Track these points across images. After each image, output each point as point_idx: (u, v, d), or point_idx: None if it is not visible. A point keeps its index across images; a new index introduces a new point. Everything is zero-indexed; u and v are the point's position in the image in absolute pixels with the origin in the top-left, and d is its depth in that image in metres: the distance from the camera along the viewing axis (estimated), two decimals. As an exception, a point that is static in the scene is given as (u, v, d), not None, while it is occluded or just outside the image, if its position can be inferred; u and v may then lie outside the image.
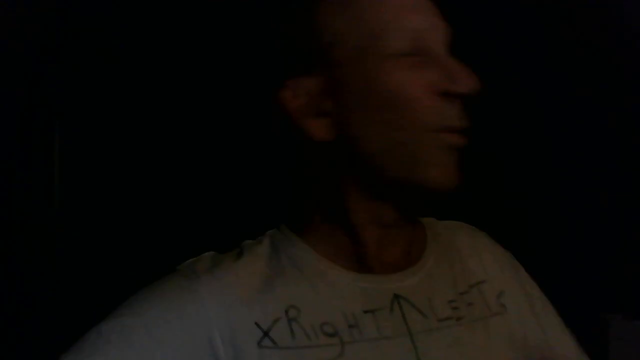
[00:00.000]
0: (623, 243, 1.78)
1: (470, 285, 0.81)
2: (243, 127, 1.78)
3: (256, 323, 0.70)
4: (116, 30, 1.76)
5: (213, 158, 1.78)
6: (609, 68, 1.71)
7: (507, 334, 0.79)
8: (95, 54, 1.76)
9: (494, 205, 1.68)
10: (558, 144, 1.80)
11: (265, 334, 0.70)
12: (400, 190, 0.75)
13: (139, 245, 1.72)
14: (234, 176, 1.77)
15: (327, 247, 0.77)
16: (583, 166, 1.77)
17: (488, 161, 1.69)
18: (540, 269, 0.96)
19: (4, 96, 1.62)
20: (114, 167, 1.77)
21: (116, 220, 1.76)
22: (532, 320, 0.83)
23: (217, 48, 1.78)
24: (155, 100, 1.78)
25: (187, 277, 0.73)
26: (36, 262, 1.70)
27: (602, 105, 1.71)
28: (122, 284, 1.78)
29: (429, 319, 0.75)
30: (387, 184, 0.74)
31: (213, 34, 1.77)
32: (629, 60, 1.70)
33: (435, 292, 0.77)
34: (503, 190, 1.79)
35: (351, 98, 0.73)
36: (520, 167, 1.82)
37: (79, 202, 1.76)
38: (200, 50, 1.78)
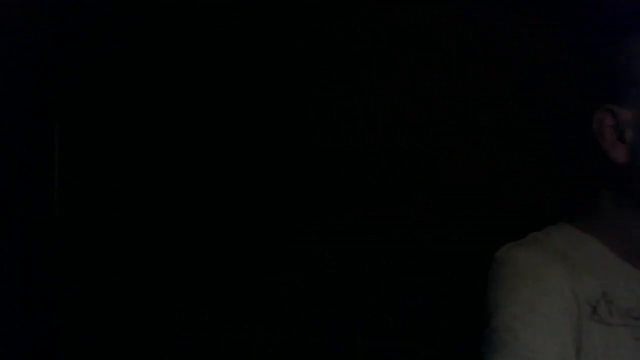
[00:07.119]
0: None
1: None
2: (242, 128, 1.79)
3: (586, 300, 0.88)
4: (117, 30, 1.76)
5: (213, 158, 1.78)
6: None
7: None
8: (96, 54, 1.76)
9: (492, 204, 1.68)
10: (557, 143, 1.80)
11: (594, 310, 0.88)
12: None
13: (139, 245, 1.72)
14: (233, 176, 1.78)
15: (613, 244, 0.94)
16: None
17: (487, 161, 1.69)
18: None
19: (4, 96, 1.62)
20: (114, 167, 1.77)
21: (116, 221, 1.76)
22: None
23: (216, 48, 1.78)
24: (155, 100, 1.78)
25: (542, 265, 0.89)
26: (36, 261, 1.70)
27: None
28: (122, 283, 1.78)
29: None
30: None
31: (211, 33, 1.77)
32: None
33: None
34: (502, 189, 1.79)
35: None
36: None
37: (79, 202, 1.76)
38: (200, 49, 1.78)
